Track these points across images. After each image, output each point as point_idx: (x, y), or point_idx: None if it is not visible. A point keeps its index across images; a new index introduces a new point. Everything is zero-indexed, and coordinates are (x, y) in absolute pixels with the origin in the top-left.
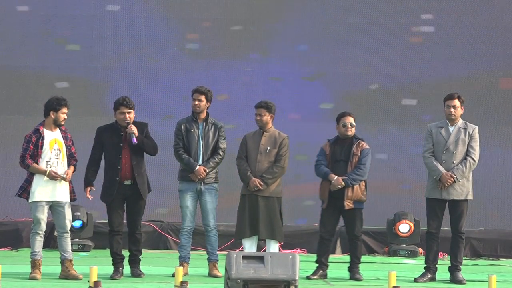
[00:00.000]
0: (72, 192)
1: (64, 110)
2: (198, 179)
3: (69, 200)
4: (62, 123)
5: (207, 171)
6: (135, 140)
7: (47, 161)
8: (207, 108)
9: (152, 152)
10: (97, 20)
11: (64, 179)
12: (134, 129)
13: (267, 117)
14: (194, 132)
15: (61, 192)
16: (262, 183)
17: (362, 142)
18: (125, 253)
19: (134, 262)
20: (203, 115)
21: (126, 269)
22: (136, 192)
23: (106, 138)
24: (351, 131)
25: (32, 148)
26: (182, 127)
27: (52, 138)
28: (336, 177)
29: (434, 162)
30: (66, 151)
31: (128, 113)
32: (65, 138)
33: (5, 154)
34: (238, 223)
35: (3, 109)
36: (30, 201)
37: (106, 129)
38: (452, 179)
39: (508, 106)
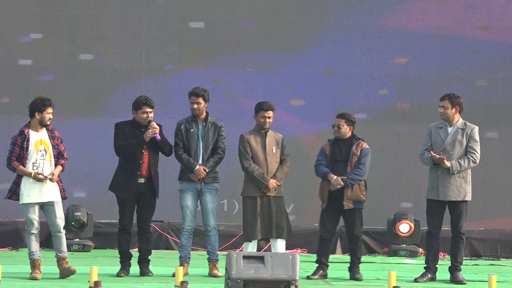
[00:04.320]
0: (62, 191)
1: (49, 110)
2: (198, 179)
3: (59, 200)
4: (48, 123)
5: (207, 170)
6: (159, 137)
7: (33, 163)
8: (206, 107)
9: (168, 151)
10: (97, 21)
11: (50, 179)
12: (156, 126)
13: (272, 119)
14: (194, 132)
15: (50, 192)
16: (279, 184)
17: (362, 142)
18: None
19: (143, 261)
20: (203, 115)
21: (134, 269)
22: (149, 190)
23: (128, 132)
24: (338, 133)
25: (18, 150)
26: (182, 127)
27: (38, 139)
28: (335, 177)
29: (425, 153)
30: (54, 150)
31: (150, 112)
32: (51, 138)
33: (5, 154)
34: (248, 225)
35: (3, 109)
36: (20, 203)
37: (127, 124)
38: (443, 158)
39: (508, 106)
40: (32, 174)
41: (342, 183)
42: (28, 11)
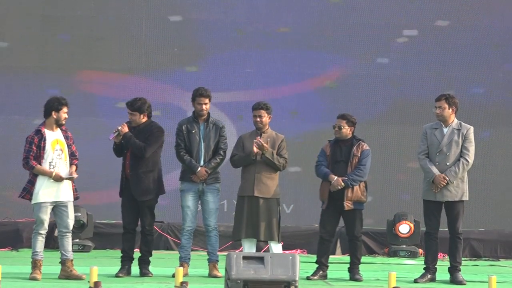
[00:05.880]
0: (74, 191)
1: (65, 109)
2: (200, 181)
3: (72, 199)
4: (64, 122)
5: (209, 172)
6: (111, 136)
7: (49, 162)
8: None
9: (135, 151)
10: (97, 21)
11: (71, 179)
12: (122, 127)
13: (266, 118)
14: (195, 133)
15: (64, 192)
16: (262, 145)
17: (363, 143)
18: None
19: (143, 262)
20: (205, 116)
21: (135, 269)
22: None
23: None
24: (338, 134)
25: (35, 149)
26: (183, 128)
27: (54, 139)
28: (336, 177)
29: (428, 164)
30: (68, 150)
31: (130, 114)
32: (65, 138)
33: (6, 154)
34: (235, 224)
35: (3, 110)
36: (33, 202)
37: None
38: (445, 180)
39: (508, 107)
40: (53, 174)
41: (342, 184)
42: (29, 12)
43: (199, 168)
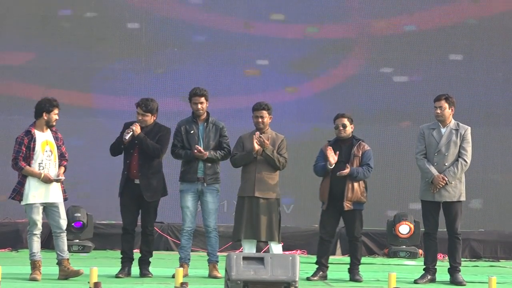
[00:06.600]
0: (63, 192)
1: (56, 111)
2: (201, 156)
3: (62, 201)
4: (54, 123)
5: (207, 153)
6: (126, 136)
7: (39, 163)
8: (207, 107)
9: (150, 152)
10: (97, 21)
11: (58, 181)
12: (135, 127)
13: (267, 119)
14: (194, 133)
15: (54, 193)
16: (263, 141)
17: (363, 143)
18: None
19: (143, 262)
20: (204, 116)
21: (135, 270)
22: (146, 192)
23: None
24: (344, 133)
25: (25, 150)
26: (182, 128)
27: (44, 140)
28: (333, 161)
29: (427, 164)
30: (57, 151)
31: (143, 115)
32: (55, 139)
33: (6, 155)
34: (235, 224)
35: (3, 110)
36: (24, 203)
37: (129, 125)
38: (444, 181)
39: (507, 107)
40: (42, 175)
41: (347, 170)
42: (29, 12)
43: (194, 151)
